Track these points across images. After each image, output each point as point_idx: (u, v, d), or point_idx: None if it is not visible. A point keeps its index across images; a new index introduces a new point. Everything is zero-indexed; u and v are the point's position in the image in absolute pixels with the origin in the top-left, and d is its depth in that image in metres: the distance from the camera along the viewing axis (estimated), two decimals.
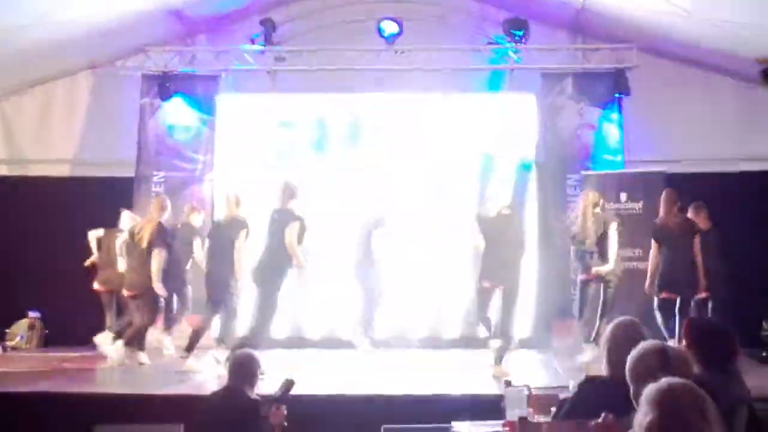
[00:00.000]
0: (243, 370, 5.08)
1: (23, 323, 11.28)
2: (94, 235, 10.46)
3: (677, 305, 8.64)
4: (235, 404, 4.94)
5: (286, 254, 8.41)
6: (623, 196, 10.45)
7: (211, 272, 9.02)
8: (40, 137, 12.11)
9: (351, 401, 6.98)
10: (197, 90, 11.75)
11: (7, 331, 11.18)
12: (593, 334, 8.58)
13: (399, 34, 11.20)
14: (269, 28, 11.32)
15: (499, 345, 8.37)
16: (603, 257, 8.97)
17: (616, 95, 11.22)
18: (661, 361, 3.14)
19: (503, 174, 11.14)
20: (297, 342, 10.80)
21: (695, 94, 11.52)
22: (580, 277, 9.18)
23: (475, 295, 8.69)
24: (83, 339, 10.52)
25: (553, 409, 4.23)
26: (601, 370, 3.92)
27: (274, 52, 11.51)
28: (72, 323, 10.96)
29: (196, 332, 8.97)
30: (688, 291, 8.65)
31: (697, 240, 8.74)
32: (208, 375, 8.23)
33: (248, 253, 8.83)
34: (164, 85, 11.46)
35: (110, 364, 9.12)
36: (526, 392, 4.70)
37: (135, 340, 9.24)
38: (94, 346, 9.90)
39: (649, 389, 2.63)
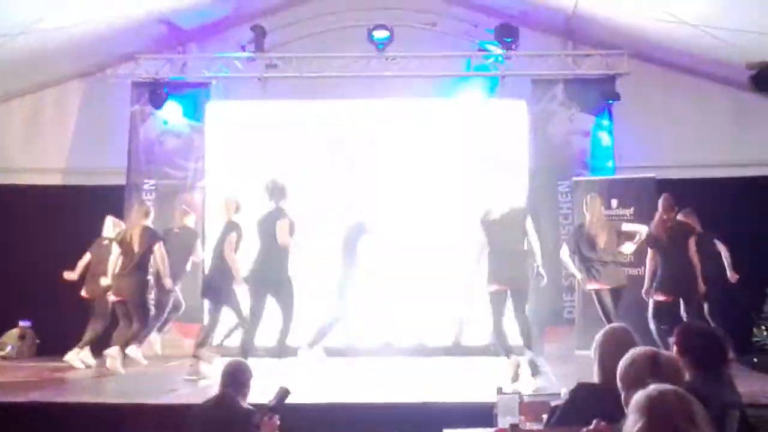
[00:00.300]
0: (234, 379, 5.06)
1: (14, 333, 11.23)
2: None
3: (680, 308, 8.71)
4: (226, 414, 4.92)
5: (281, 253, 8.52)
6: (614, 202, 10.47)
7: (211, 276, 9.06)
8: (30, 145, 12.08)
9: (342, 410, 6.95)
10: (188, 97, 11.73)
11: None
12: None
13: (390, 41, 11.20)
14: (260, 35, 11.32)
15: (530, 356, 8.26)
16: (617, 264, 9.04)
17: (607, 101, 11.24)
18: (651, 368, 3.14)
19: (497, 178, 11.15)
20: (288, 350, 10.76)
21: (685, 100, 11.56)
22: (592, 286, 9.14)
23: (489, 302, 8.54)
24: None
25: (545, 417, 4.22)
26: (593, 377, 3.92)
27: (265, 60, 11.51)
28: (63, 333, 10.89)
29: (204, 337, 9.07)
30: (688, 292, 8.68)
31: (692, 242, 8.77)
32: (211, 381, 8.17)
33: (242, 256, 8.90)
34: (155, 93, 11.44)
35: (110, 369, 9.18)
36: (517, 399, 4.69)
37: (134, 343, 9.26)
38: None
39: (638, 396, 2.63)
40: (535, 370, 8.17)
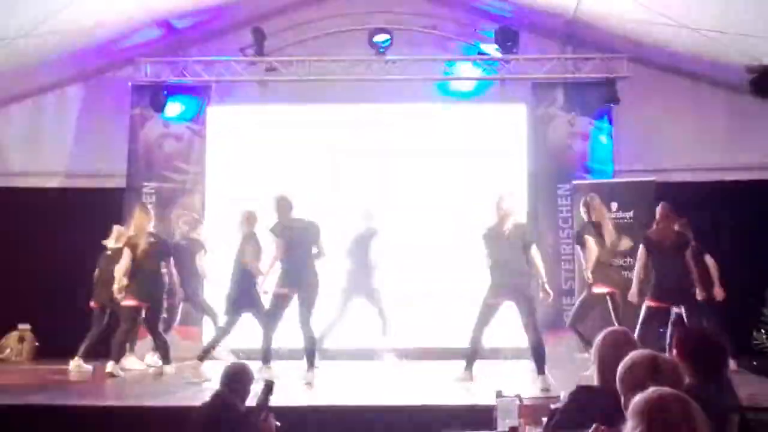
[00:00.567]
0: (233, 381, 5.06)
1: (13, 336, 11.23)
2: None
3: (670, 315, 8.72)
4: (222, 415, 4.92)
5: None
6: (614, 205, 10.46)
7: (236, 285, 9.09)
8: (30, 149, 12.07)
9: (341, 413, 6.95)
10: (188, 101, 11.75)
11: None
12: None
13: (389, 44, 11.21)
14: (260, 38, 11.33)
15: (542, 383, 8.13)
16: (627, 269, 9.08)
17: (607, 105, 11.25)
18: (651, 371, 3.13)
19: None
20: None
21: (685, 103, 11.57)
22: (605, 290, 9.13)
23: (481, 311, 8.52)
24: (74, 352, 10.50)
25: (545, 420, 4.22)
26: (593, 379, 3.91)
27: (265, 63, 11.52)
28: (63, 336, 10.90)
29: (214, 343, 9.17)
30: (686, 299, 8.68)
31: (689, 252, 8.78)
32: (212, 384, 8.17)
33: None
34: (154, 96, 11.44)
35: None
36: (517, 402, 4.69)
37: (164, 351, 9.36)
38: (84, 359, 9.88)
39: (637, 400, 2.63)
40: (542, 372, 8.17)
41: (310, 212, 8.96)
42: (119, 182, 11.62)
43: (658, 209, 9.01)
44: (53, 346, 10.98)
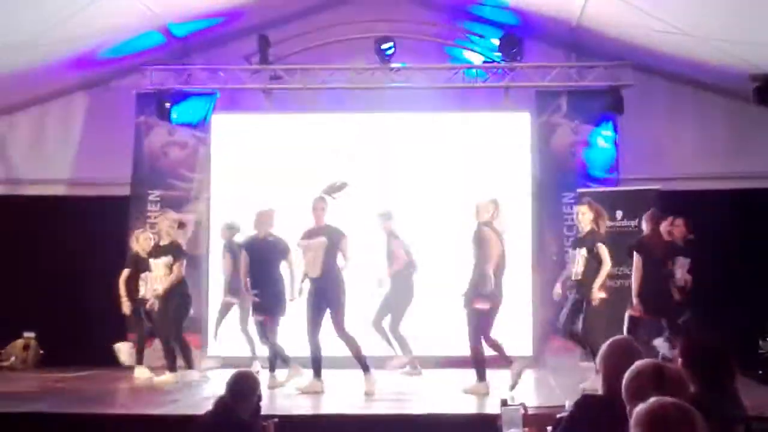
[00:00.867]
0: (237, 389, 5.05)
1: (18, 344, 11.23)
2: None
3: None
4: (225, 423, 4.90)
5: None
6: (618, 213, 10.45)
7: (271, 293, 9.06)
8: (35, 157, 12.10)
9: (347, 421, 6.94)
10: (192, 109, 11.76)
11: (2, 351, 11.14)
12: None
13: (393, 53, 11.24)
14: (264, 46, 11.35)
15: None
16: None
17: (611, 113, 11.24)
18: (656, 381, 3.12)
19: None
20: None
21: (689, 111, 11.58)
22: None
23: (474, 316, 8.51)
24: (78, 359, 10.54)
25: (550, 429, 4.21)
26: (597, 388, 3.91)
27: (269, 71, 11.54)
28: (67, 343, 10.94)
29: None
30: (665, 309, 8.69)
31: (669, 262, 8.76)
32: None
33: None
34: (159, 104, 11.46)
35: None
36: (521, 411, 4.68)
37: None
38: (89, 367, 9.91)
39: (639, 410, 2.62)
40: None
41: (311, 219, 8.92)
42: (124, 190, 11.64)
43: (649, 215, 8.99)
44: (58, 354, 11.01)
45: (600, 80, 11.29)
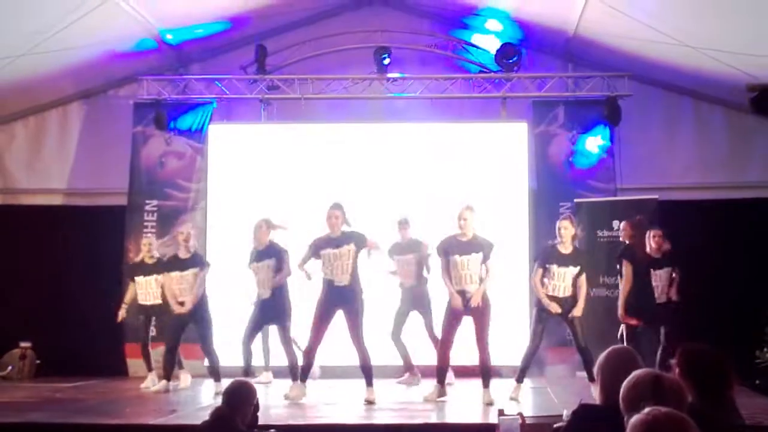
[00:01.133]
0: (234, 399, 5.03)
1: (14, 353, 11.20)
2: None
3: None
4: None
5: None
6: (616, 223, 10.45)
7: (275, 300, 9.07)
8: (32, 166, 12.11)
9: (341, 431, 6.93)
10: (190, 119, 11.77)
11: None
12: None
13: (390, 62, 11.27)
14: (262, 56, 11.37)
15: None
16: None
17: (609, 123, 11.26)
18: (653, 390, 3.11)
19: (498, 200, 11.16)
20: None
21: (686, 121, 11.62)
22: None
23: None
24: (75, 369, 10.51)
25: None
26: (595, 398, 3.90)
27: (266, 81, 11.57)
28: (64, 353, 10.92)
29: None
30: (652, 317, 8.70)
31: (653, 271, 8.74)
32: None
33: None
34: (156, 114, 11.47)
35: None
36: (519, 421, 4.68)
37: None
38: (86, 376, 9.89)
39: (633, 421, 2.62)
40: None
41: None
42: (121, 200, 11.64)
43: (631, 225, 8.97)
44: (54, 364, 10.98)
45: (597, 90, 11.33)
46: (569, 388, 8.94)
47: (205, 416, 5.05)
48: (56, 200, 12.10)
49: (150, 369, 9.91)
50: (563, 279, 8.48)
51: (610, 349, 3.86)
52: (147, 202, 11.61)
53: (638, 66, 11.05)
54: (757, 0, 8.45)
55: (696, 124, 11.63)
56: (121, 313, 10.02)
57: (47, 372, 11.00)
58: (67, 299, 11.19)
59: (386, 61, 11.27)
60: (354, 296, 8.36)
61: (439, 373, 8.50)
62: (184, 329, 9.42)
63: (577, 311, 8.44)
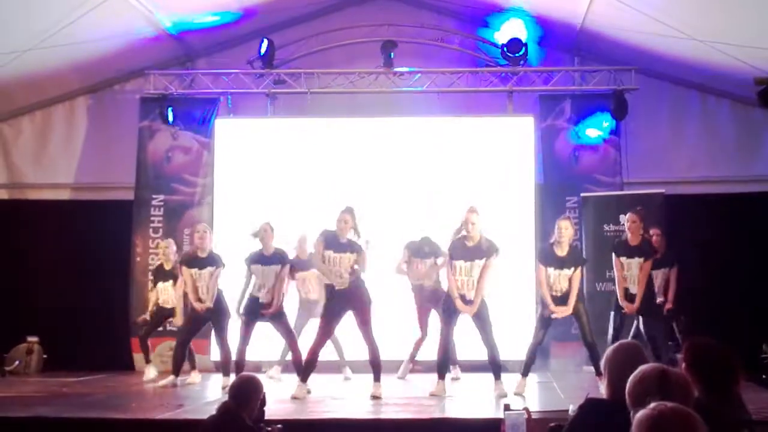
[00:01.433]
0: (240, 394, 5.04)
1: (22, 348, 11.22)
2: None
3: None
4: (229, 428, 4.89)
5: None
6: (623, 217, 10.43)
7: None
8: (40, 161, 12.13)
9: (350, 426, 6.93)
10: (196, 113, 11.78)
11: (6, 356, 11.11)
12: None
13: (397, 57, 11.26)
14: (271, 49, 11.35)
15: None
16: None
17: (615, 117, 11.23)
18: (660, 385, 3.11)
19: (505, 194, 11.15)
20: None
21: (693, 115, 11.60)
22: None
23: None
24: (82, 364, 10.54)
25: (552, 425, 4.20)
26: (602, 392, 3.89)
27: (273, 75, 11.56)
28: (71, 348, 10.95)
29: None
30: (648, 309, 8.71)
31: (647, 265, 8.71)
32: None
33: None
34: (163, 109, 11.47)
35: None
36: (525, 416, 4.68)
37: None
38: (93, 371, 9.92)
39: (638, 417, 2.61)
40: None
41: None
42: (128, 194, 11.66)
43: (636, 215, 8.95)
44: (61, 359, 11.01)
45: (603, 84, 11.29)
46: (575, 383, 8.94)
47: (212, 411, 5.06)
48: (63, 195, 12.12)
49: (148, 361, 9.99)
50: (559, 281, 8.48)
51: (617, 343, 3.85)
52: (154, 196, 11.62)
53: (645, 60, 11.02)
54: None
55: (703, 118, 11.61)
56: (144, 317, 10.09)
57: (54, 366, 11.03)
58: (74, 293, 11.21)
59: (393, 55, 11.25)
60: (359, 295, 8.34)
61: (440, 368, 8.50)
62: (200, 326, 9.44)
63: (566, 310, 8.45)
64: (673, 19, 9.47)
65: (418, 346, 9.74)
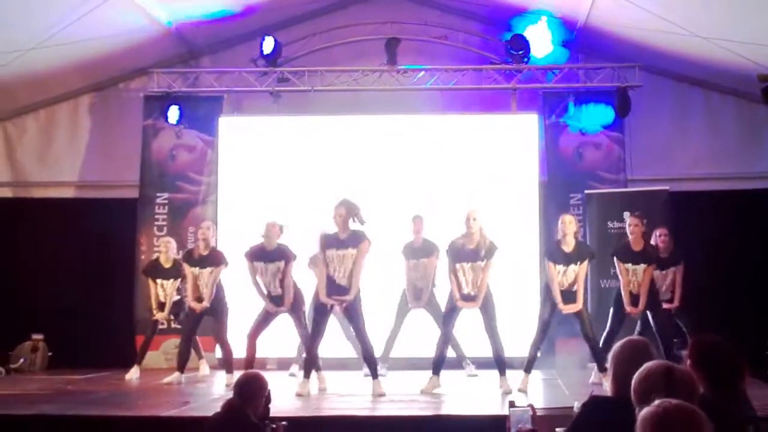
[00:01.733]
0: (245, 391, 5.05)
1: (27, 346, 11.24)
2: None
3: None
4: (234, 425, 4.90)
5: None
6: (627, 215, 10.41)
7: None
8: (43, 159, 12.14)
9: (354, 423, 6.94)
10: (200, 111, 11.77)
11: (11, 353, 11.13)
12: None
13: (401, 54, 11.25)
14: (277, 47, 11.35)
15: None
16: None
17: (619, 114, 11.22)
18: (665, 382, 3.11)
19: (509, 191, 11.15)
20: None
21: (697, 112, 11.58)
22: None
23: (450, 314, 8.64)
24: (87, 361, 10.56)
25: (558, 430, 4.21)
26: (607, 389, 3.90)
27: (277, 73, 11.56)
28: (76, 345, 10.97)
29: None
30: (653, 306, 8.76)
31: (650, 270, 8.72)
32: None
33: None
34: (167, 107, 11.48)
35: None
36: (530, 413, 4.68)
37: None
38: (98, 368, 9.94)
39: (643, 414, 2.62)
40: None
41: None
42: (132, 192, 11.67)
43: (637, 217, 8.95)
44: (66, 356, 11.03)
45: (607, 81, 11.28)
46: (580, 380, 8.94)
47: (217, 408, 5.07)
48: (68, 193, 12.13)
49: (139, 363, 9.98)
50: (566, 278, 8.51)
51: (624, 340, 3.86)
52: (158, 195, 11.63)
53: (648, 56, 11.01)
54: None
55: (707, 115, 11.59)
56: (161, 315, 10.05)
57: (59, 364, 11.05)
58: (78, 291, 11.23)
59: (396, 51, 11.25)
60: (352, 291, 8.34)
61: (435, 365, 8.52)
62: (200, 321, 9.50)
63: (575, 307, 8.49)
64: (676, 15, 9.46)
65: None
